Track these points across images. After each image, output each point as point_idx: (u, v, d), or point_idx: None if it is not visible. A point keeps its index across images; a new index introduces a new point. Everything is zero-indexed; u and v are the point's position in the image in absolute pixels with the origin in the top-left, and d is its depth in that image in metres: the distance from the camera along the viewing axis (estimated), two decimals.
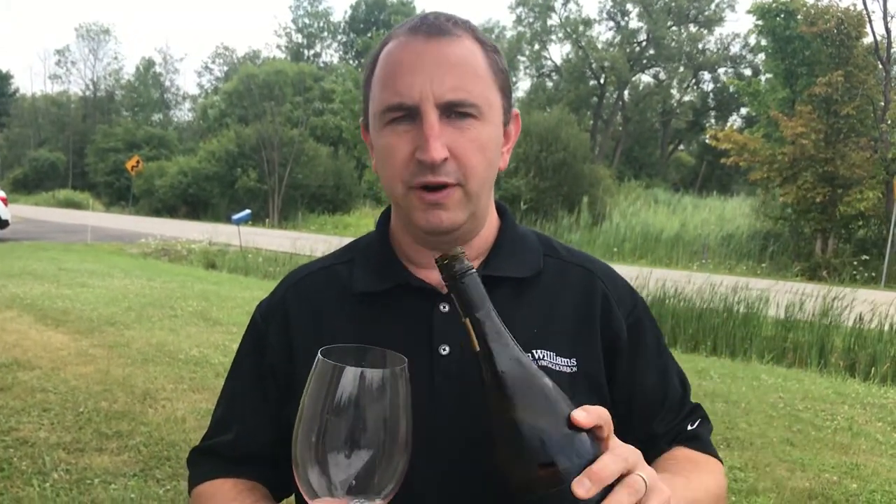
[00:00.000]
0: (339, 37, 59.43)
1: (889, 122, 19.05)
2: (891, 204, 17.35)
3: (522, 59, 48.96)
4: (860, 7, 19.47)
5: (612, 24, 48.15)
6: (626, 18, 47.41)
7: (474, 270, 0.76)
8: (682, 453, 1.06)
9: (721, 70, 46.80)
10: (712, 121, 47.19)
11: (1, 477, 3.72)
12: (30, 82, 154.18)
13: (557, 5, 47.95)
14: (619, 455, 0.72)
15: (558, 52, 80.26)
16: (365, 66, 1.01)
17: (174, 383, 5.48)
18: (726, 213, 25.00)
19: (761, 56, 29.43)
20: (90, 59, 62.52)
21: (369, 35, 50.39)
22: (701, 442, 1.09)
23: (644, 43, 46.60)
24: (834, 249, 18.96)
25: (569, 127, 27.35)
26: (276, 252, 15.73)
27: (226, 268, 14.39)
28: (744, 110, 43.49)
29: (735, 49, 46.57)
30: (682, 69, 46.23)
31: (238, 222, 16.60)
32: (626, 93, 47.62)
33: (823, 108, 18.94)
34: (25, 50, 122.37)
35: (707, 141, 29.28)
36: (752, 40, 38.83)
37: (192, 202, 35.22)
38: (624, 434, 0.84)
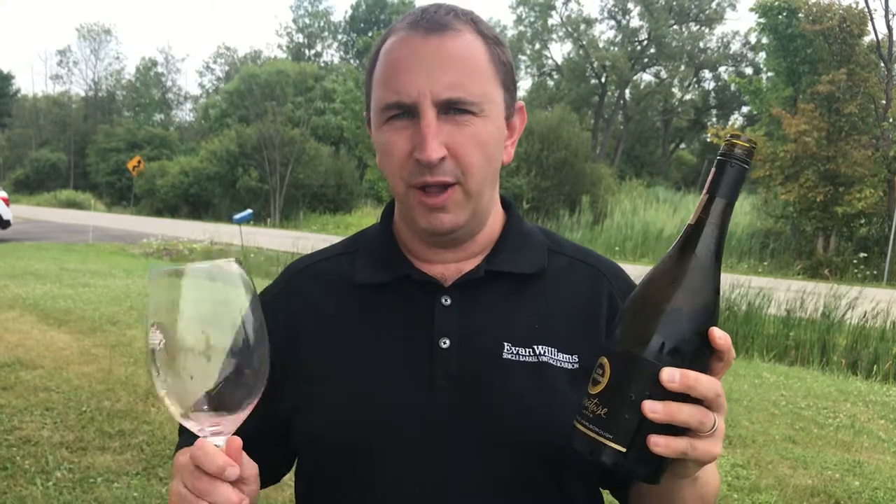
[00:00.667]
0: (340, 36, 59.48)
1: (891, 120, 19.04)
2: (892, 202, 17.34)
3: (523, 58, 48.90)
4: (862, 5, 19.45)
5: (613, 22, 48.14)
6: (627, 17, 47.38)
7: (747, 167, 0.76)
8: None
9: (722, 69, 46.78)
10: (713, 119, 47.16)
11: (4, 476, 3.73)
12: (31, 83, 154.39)
13: (558, 4, 47.95)
14: (716, 386, 0.73)
15: (559, 51, 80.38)
16: (368, 60, 1.01)
17: None
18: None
19: (762, 55, 29.42)
20: (91, 60, 62.72)
21: (370, 34, 50.36)
22: None
23: (645, 42, 46.56)
24: (835, 248, 18.95)
25: (570, 126, 27.34)
26: (278, 251, 15.73)
27: None
28: (745, 109, 43.47)
29: (736, 47, 46.59)
30: (683, 68, 46.19)
31: (239, 222, 16.57)
32: (627, 92, 47.59)
33: (825, 107, 18.93)
34: (27, 50, 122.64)
35: (709, 139, 29.26)
36: (754, 38, 38.89)
37: (193, 202, 35.27)
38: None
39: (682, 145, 50.55)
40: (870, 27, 19.43)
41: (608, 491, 1.09)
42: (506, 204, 1.08)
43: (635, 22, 47.29)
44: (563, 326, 1.00)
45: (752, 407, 5.64)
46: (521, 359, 0.96)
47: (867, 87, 18.80)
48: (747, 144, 0.75)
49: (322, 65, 55.20)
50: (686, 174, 44.59)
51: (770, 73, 24.54)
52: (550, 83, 49.92)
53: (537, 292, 1.02)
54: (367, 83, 1.00)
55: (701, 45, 46.49)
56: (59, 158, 49.00)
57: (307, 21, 59.12)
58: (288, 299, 1.05)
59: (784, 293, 8.86)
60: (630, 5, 46.58)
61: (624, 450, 0.73)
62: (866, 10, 19.35)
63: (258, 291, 0.78)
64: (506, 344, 0.97)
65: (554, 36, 49.06)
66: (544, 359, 0.96)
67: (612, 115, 47.97)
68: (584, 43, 46.80)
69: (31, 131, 54.37)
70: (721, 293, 0.78)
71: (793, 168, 18.89)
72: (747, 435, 4.97)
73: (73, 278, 10.50)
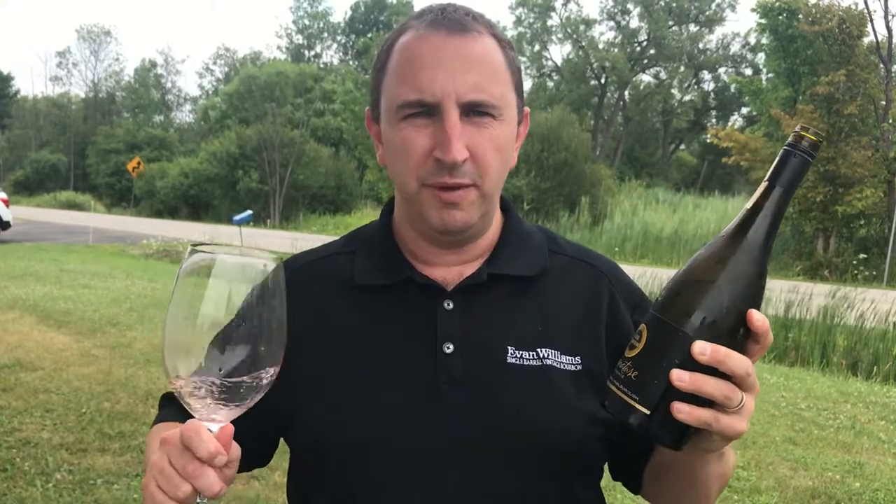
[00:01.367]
0: (339, 38, 59.52)
1: (890, 121, 19.04)
2: (892, 203, 17.34)
3: (523, 59, 48.90)
4: (861, 6, 19.46)
5: (612, 24, 48.14)
6: (626, 18, 47.40)
7: (811, 160, 0.77)
8: None
9: (721, 70, 46.82)
10: (713, 120, 47.19)
11: (4, 478, 3.72)
12: (31, 84, 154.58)
13: (558, 5, 47.97)
14: (747, 365, 0.74)
15: (559, 52, 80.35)
16: (377, 54, 0.99)
17: None
18: (728, 213, 24.97)
19: (761, 56, 29.42)
20: (91, 61, 62.71)
21: (369, 36, 50.41)
22: None
23: (645, 43, 46.59)
24: (835, 248, 18.95)
25: (570, 127, 27.32)
26: (278, 252, 15.73)
27: None
28: (745, 110, 43.53)
29: (735, 48, 46.62)
30: (682, 69, 46.20)
31: (239, 223, 16.59)
32: (626, 93, 47.60)
33: (825, 108, 18.95)
34: (26, 52, 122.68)
35: (708, 140, 29.26)
36: (754, 39, 38.92)
37: (193, 203, 35.28)
38: (630, 432, 0.84)
39: (682, 146, 50.56)
40: (869, 28, 19.45)
41: (621, 482, 1.10)
42: (504, 205, 1.07)
43: (635, 23, 47.34)
44: (564, 329, 0.99)
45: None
46: (525, 362, 0.95)
47: (867, 88, 18.81)
48: (815, 137, 0.77)
49: (321, 66, 55.24)
50: (686, 175, 44.60)
51: (770, 74, 24.56)
52: (550, 84, 49.92)
53: (539, 294, 1.01)
54: (376, 76, 0.98)
55: (700, 46, 46.53)
56: (58, 160, 49.01)
57: (307, 22, 59.18)
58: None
59: (784, 294, 8.85)
60: (630, 6, 46.61)
61: (649, 412, 0.75)
62: (866, 11, 19.37)
63: None
64: (509, 348, 0.96)
65: (553, 37, 49.09)
66: (548, 362, 0.96)
67: (612, 116, 47.99)
68: (584, 44, 46.82)
69: (30, 132, 54.36)
70: (766, 280, 0.79)
71: None
72: (747, 436, 4.96)
73: (73, 279, 10.49)
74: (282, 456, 1.08)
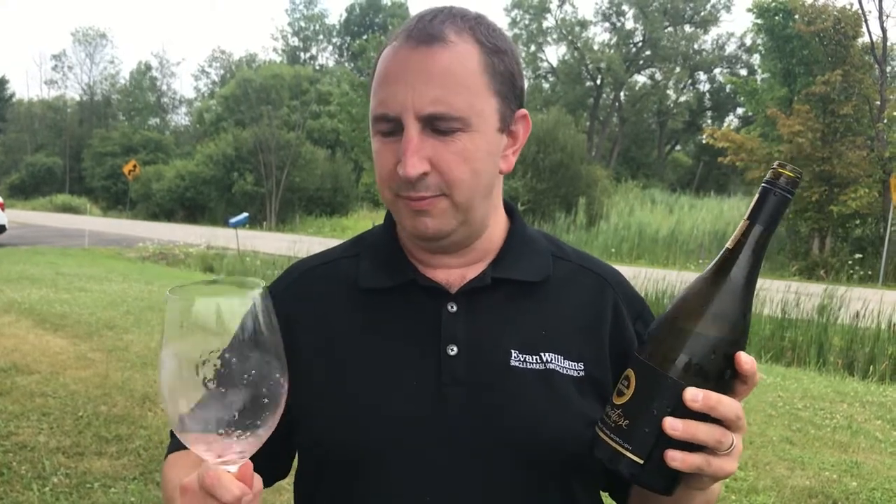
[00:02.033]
0: (335, 40, 59.51)
1: (885, 121, 19.08)
2: (887, 203, 17.37)
3: (516, 56, 48.90)
4: (856, 7, 19.51)
5: (607, 25, 48.26)
6: (621, 19, 47.49)
7: (790, 197, 0.77)
8: None
9: (717, 70, 46.91)
10: (709, 121, 47.27)
11: (1, 482, 3.72)
12: (26, 87, 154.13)
13: (553, 7, 48.05)
14: (737, 409, 0.75)
15: (554, 53, 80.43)
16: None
17: None
18: (723, 213, 25.02)
19: (756, 56, 29.47)
20: (87, 64, 62.44)
21: (365, 38, 50.40)
22: None
23: (640, 44, 46.68)
24: (831, 248, 18.98)
25: (566, 128, 27.33)
26: (274, 255, 15.71)
27: (224, 271, 14.36)
28: (740, 111, 43.63)
29: (731, 49, 46.72)
30: (678, 70, 46.30)
31: (235, 225, 16.57)
32: (622, 94, 47.69)
33: (820, 108, 18.99)
34: (22, 55, 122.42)
35: (704, 140, 29.30)
36: (749, 40, 39.00)
37: (189, 206, 35.19)
38: None
39: (678, 147, 50.64)
40: (864, 29, 19.48)
41: (607, 493, 1.09)
42: (509, 210, 1.07)
43: (630, 24, 47.45)
44: (568, 334, 1.00)
45: (750, 408, 5.64)
46: (529, 366, 0.96)
47: (862, 89, 18.85)
48: (792, 174, 0.77)
49: (317, 68, 55.22)
50: (681, 176, 44.66)
51: (765, 75, 24.61)
52: (546, 86, 49.98)
53: (542, 299, 1.02)
54: (370, 88, 1.00)
55: (696, 46, 46.62)
56: (54, 163, 48.89)
57: (302, 24, 59.16)
58: (290, 302, 1.02)
59: (780, 294, 8.87)
60: (624, 7, 46.70)
61: (641, 461, 0.75)
62: (861, 11, 19.41)
63: None
64: (513, 351, 0.96)
65: (549, 38, 49.16)
66: (551, 366, 0.96)
67: (608, 117, 48.07)
68: (579, 45, 46.90)
69: (26, 136, 54.21)
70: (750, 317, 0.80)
71: None
72: (744, 436, 4.95)
73: (69, 283, 10.47)
74: None
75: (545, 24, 48.53)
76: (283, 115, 38.36)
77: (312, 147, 35.63)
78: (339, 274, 1.06)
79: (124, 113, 57.33)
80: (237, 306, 0.71)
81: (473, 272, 1.01)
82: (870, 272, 16.63)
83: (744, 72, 43.79)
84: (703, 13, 45.52)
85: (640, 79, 48.82)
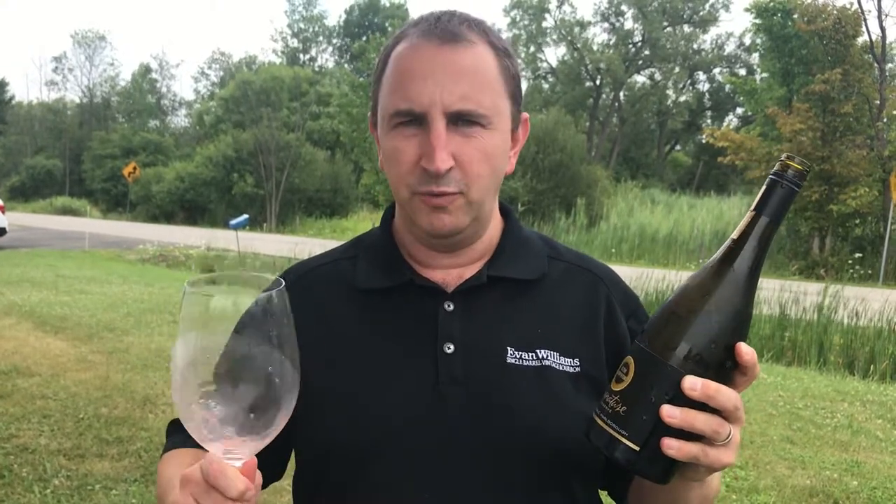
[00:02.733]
0: (335, 41, 59.52)
1: (885, 120, 19.08)
2: (887, 202, 17.36)
3: (518, 61, 48.92)
4: (856, 6, 19.50)
5: (606, 25, 48.25)
6: (620, 20, 47.50)
7: (797, 189, 0.77)
8: None
9: (716, 70, 46.91)
10: (708, 121, 47.28)
11: (2, 484, 3.72)
12: (26, 89, 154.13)
13: (552, 7, 48.05)
14: (736, 399, 0.75)
15: (553, 54, 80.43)
16: (376, 62, 1.01)
17: None
18: (723, 213, 25.02)
19: (755, 56, 29.47)
20: (86, 66, 62.31)
21: (364, 39, 50.46)
22: None
23: (639, 44, 46.68)
24: (831, 248, 18.98)
25: (565, 129, 27.36)
26: (275, 257, 15.72)
27: None
28: (739, 110, 43.64)
29: (730, 48, 46.72)
30: (677, 70, 46.30)
31: (236, 227, 16.57)
32: (621, 94, 47.69)
33: (820, 107, 18.99)
34: (21, 57, 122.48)
35: (704, 140, 29.31)
36: (749, 39, 38.99)
37: (189, 208, 35.21)
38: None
39: (678, 147, 50.64)
40: (864, 28, 19.48)
41: (605, 492, 1.10)
42: (504, 211, 1.10)
43: (629, 24, 47.45)
44: (563, 331, 1.01)
45: (750, 408, 5.64)
46: (525, 363, 0.97)
47: (862, 88, 18.85)
48: (800, 167, 0.77)
49: (317, 69, 55.22)
50: (681, 176, 44.65)
51: (764, 74, 24.61)
52: (545, 86, 49.99)
53: (538, 297, 1.03)
54: (374, 84, 1.01)
55: (695, 46, 46.63)
56: (54, 165, 48.90)
57: (302, 26, 59.18)
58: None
59: (780, 293, 8.87)
60: (623, 7, 46.70)
61: (637, 449, 0.75)
62: (860, 10, 19.40)
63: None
64: (509, 348, 0.97)
65: (548, 39, 49.16)
66: (547, 362, 0.97)
67: (607, 117, 48.06)
68: (579, 46, 46.91)
69: (26, 138, 54.24)
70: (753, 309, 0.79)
71: None
72: (745, 435, 4.96)
73: (70, 285, 10.47)
74: None
75: (544, 24, 48.56)
76: (283, 117, 38.39)
77: (312, 148, 35.65)
78: (337, 275, 1.07)
79: (124, 115, 57.36)
80: (254, 302, 0.71)
81: (470, 271, 1.02)
82: (870, 271, 16.63)
83: (743, 71, 43.82)
84: (701, 13, 45.52)
85: (640, 79, 48.87)
